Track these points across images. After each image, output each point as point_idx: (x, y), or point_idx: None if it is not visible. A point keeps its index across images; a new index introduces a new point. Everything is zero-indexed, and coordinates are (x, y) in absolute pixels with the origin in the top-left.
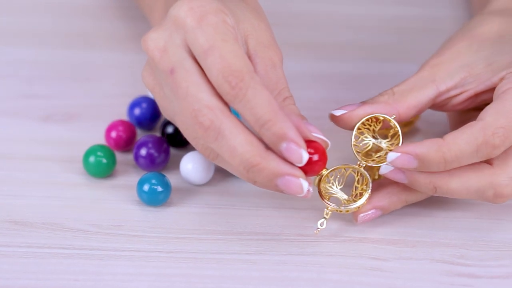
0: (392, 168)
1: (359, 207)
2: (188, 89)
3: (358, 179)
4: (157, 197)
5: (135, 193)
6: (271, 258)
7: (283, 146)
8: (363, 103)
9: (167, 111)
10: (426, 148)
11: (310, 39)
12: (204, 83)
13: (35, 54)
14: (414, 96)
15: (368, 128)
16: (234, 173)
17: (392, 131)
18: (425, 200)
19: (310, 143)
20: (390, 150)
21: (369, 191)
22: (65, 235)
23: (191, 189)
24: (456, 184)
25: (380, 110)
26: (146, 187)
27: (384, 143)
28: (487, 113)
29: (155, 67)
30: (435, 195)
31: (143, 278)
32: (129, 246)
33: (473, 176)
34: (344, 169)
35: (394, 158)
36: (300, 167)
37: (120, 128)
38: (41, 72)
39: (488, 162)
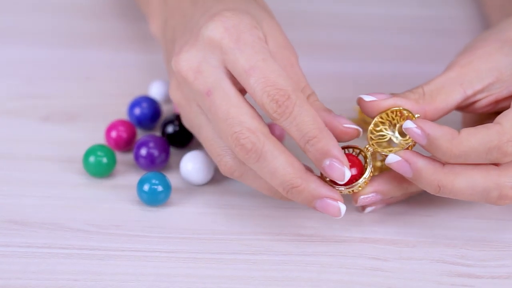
0: (399, 158)
1: (353, 191)
2: (229, 111)
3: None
4: (157, 197)
5: (135, 193)
6: (271, 258)
7: (326, 163)
8: (394, 95)
9: (192, 125)
10: (440, 133)
11: (311, 39)
12: (244, 105)
13: (35, 54)
14: (442, 99)
15: (390, 121)
16: (260, 190)
17: None
18: (425, 200)
19: (347, 156)
20: (403, 146)
21: (367, 175)
22: (65, 235)
23: (191, 189)
24: (461, 184)
25: (409, 107)
26: (146, 187)
27: (400, 139)
28: (506, 118)
29: (186, 87)
30: (437, 195)
31: (143, 278)
32: (129, 246)
33: (478, 176)
34: (348, 149)
35: (409, 126)
36: None
37: (120, 128)
38: (41, 72)
39: (495, 163)
